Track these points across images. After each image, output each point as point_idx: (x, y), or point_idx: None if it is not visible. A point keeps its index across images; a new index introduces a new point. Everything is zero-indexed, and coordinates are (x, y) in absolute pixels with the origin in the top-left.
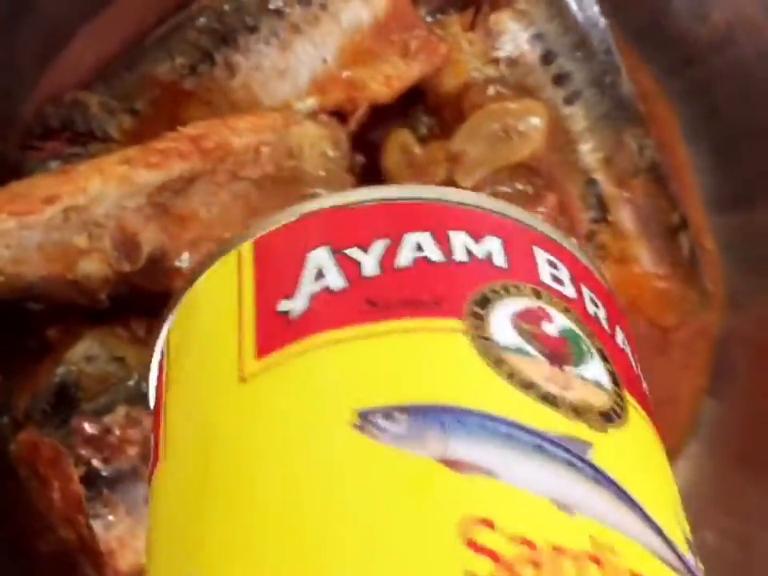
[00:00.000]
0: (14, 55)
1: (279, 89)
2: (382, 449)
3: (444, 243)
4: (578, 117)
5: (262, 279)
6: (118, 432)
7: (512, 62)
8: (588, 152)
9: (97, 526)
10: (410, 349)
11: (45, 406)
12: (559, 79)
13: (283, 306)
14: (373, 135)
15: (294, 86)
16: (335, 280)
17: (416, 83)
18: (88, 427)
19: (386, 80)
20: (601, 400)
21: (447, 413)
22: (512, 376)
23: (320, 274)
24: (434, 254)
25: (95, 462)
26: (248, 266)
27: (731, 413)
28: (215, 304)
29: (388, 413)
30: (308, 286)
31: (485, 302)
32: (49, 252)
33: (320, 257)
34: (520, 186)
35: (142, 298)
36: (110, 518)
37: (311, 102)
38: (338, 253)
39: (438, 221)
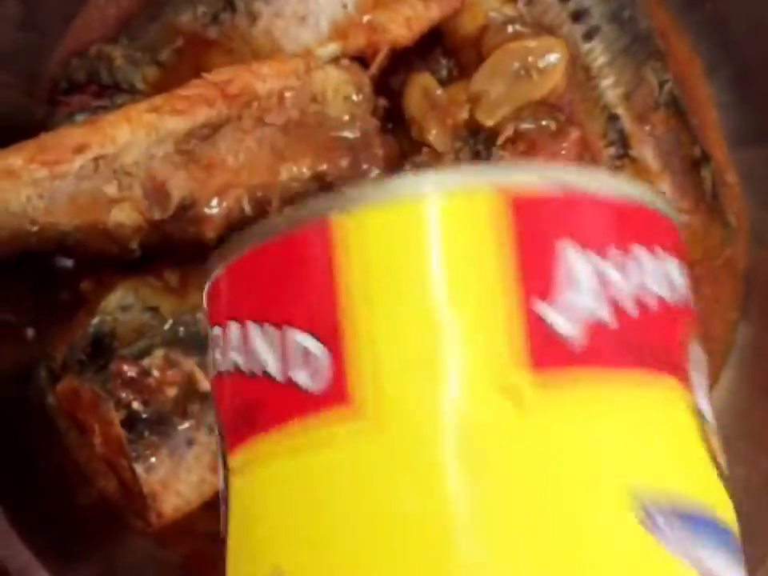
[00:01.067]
0: (38, 11)
1: (300, 35)
2: (668, 557)
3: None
4: (597, 52)
5: (524, 260)
6: (156, 374)
7: (530, 1)
8: (608, 87)
9: (139, 468)
10: (662, 421)
11: (81, 355)
12: (577, 15)
13: (550, 315)
14: (394, 79)
15: (315, 31)
16: (604, 314)
17: (435, 25)
18: (127, 370)
19: (405, 22)
20: None
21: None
22: (717, 463)
23: (578, 284)
24: (665, 291)
25: (135, 405)
26: (506, 227)
27: (763, 344)
28: (462, 255)
29: (666, 513)
30: (571, 296)
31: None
32: (80, 201)
33: (577, 261)
34: (543, 123)
35: (172, 247)
36: (152, 460)
37: (332, 48)
38: (592, 262)
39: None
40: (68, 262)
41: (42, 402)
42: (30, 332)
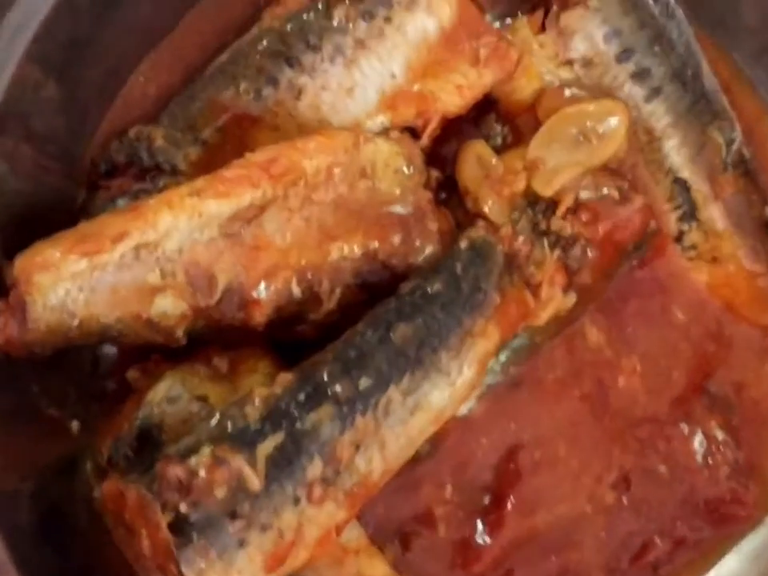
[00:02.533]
0: (77, 93)
1: (348, 107)
2: None
3: None
4: (659, 114)
5: None
6: (204, 474)
7: (587, 62)
8: (673, 149)
9: (188, 572)
10: None
11: (128, 450)
12: (638, 76)
13: None
14: (446, 147)
15: (363, 103)
16: None
17: (487, 91)
18: (173, 471)
19: (457, 90)
20: None
21: None
22: None
23: None
24: None
25: (183, 507)
26: None
27: None
28: None
29: None
30: None
31: None
32: (122, 291)
33: None
34: (605, 191)
35: (220, 333)
36: (202, 565)
37: (381, 119)
38: None
39: None
40: (112, 350)
41: (88, 495)
42: (75, 425)
